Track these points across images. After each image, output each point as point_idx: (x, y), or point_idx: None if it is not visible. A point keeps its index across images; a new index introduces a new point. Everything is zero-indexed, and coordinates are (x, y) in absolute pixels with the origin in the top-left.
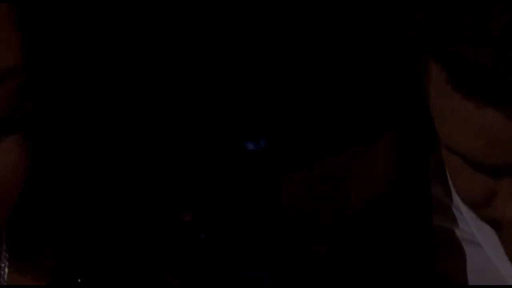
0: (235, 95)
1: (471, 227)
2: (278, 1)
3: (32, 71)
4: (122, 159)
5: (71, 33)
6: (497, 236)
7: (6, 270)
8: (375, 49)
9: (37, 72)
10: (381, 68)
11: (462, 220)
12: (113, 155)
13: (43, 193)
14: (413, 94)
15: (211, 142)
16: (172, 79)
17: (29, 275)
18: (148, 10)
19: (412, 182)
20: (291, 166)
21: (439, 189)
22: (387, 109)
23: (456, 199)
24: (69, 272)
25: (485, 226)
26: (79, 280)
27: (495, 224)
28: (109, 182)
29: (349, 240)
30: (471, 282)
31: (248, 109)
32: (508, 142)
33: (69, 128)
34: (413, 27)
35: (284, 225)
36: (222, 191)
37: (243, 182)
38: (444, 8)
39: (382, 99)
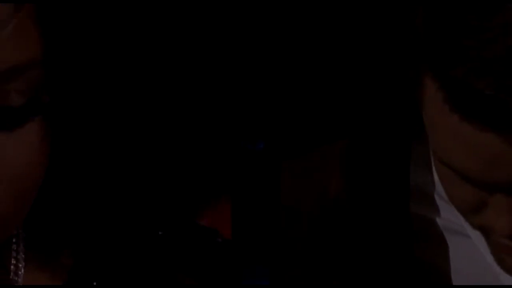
0: (230, 90)
1: (459, 218)
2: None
3: (50, 66)
4: (136, 161)
5: (87, 29)
6: (485, 240)
7: (23, 270)
8: (368, 46)
9: (54, 67)
10: (367, 62)
11: (451, 211)
12: (128, 156)
13: (60, 192)
14: (397, 89)
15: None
16: (177, 73)
17: (47, 274)
18: (156, 9)
19: (390, 171)
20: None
21: (427, 180)
22: (366, 104)
23: None
24: (85, 273)
25: None
26: (94, 283)
27: (483, 231)
28: (124, 183)
29: (329, 226)
30: (458, 270)
31: (240, 104)
32: (505, 163)
33: (87, 124)
34: (412, 35)
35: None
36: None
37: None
38: (443, 27)
39: (362, 95)
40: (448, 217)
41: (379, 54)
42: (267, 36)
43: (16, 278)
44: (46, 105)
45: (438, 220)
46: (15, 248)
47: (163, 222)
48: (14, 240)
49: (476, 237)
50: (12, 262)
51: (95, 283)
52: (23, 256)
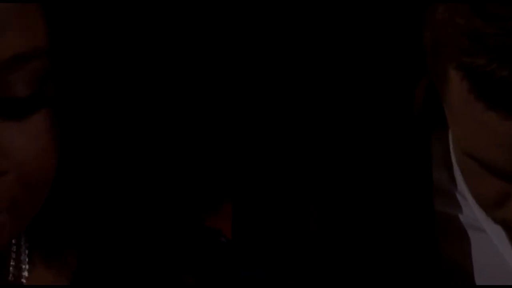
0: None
1: (476, 213)
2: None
3: (56, 57)
4: (141, 159)
5: (93, 20)
6: (507, 234)
7: (27, 269)
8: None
9: (60, 57)
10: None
11: (467, 206)
12: (133, 155)
13: (66, 191)
14: (415, 85)
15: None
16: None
17: (52, 272)
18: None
19: (413, 169)
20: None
21: (444, 176)
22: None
23: (461, 185)
24: (90, 273)
25: None
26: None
27: (506, 224)
28: (130, 183)
29: (349, 226)
30: (475, 266)
31: (249, 96)
32: None
33: (93, 117)
34: (431, 30)
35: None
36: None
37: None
38: (464, 16)
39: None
40: (467, 213)
41: (398, 47)
42: (266, 34)
43: (14, 278)
44: (52, 96)
45: (458, 216)
46: (14, 250)
47: (167, 222)
48: (14, 240)
49: (494, 233)
50: (11, 262)
51: (99, 283)
52: (26, 252)
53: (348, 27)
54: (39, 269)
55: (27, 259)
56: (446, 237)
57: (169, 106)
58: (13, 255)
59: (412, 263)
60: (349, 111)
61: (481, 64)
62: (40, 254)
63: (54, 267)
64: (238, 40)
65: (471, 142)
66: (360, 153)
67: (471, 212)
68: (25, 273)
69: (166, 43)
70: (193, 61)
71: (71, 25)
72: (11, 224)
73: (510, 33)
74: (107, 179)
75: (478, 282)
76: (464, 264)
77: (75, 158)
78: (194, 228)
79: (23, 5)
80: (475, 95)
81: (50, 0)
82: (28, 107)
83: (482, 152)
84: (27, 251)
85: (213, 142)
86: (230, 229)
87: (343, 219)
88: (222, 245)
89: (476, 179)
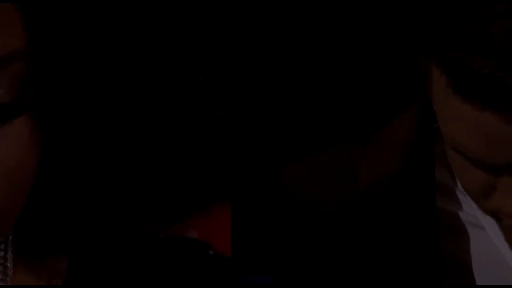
0: (236, 82)
1: (474, 210)
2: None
3: (36, 58)
4: (126, 161)
5: (73, 22)
6: (498, 225)
7: (11, 271)
8: (381, 42)
9: (40, 60)
10: (386, 59)
11: (466, 203)
12: (118, 156)
13: (50, 195)
14: (415, 83)
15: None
16: (172, 71)
17: (33, 276)
18: (150, 6)
19: (417, 167)
20: (295, 156)
21: (444, 173)
22: (393, 97)
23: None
24: (80, 278)
25: None
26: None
27: (495, 215)
28: (116, 185)
29: (356, 222)
30: (474, 263)
31: (251, 96)
32: (507, 143)
33: (76, 121)
34: (416, 27)
35: (289, 210)
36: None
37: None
38: (444, 14)
39: (387, 87)
40: (467, 210)
41: (392, 45)
42: (264, 35)
43: (5, 278)
44: (33, 100)
45: (458, 213)
46: (3, 248)
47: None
48: (2, 240)
49: (492, 229)
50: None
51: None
52: (12, 256)
53: (347, 34)
54: (19, 272)
55: (12, 259)
56: (446, 234)
57: (157, 108)
58: (2, 253)
59: (414, 262)
60: (348, 111)
61: (457, 58)
62: (22, 258)
63: (33, 271)
64: (237, 40)
65: (453, 135)
66: (362, 151)
67: (471, 209)
68: (10, 273)
69: (151, 41)
70: (184, 59)
71: (50, 27)
72: None
73: (485, 29)
74: (93, 183)
75: (477, 278)
76: (464, 261)
77: (58, 163)
78: (182, 242)
79: (0, 7)
80: (452, 89)
81: (28, 1)
82: (8, 111)
83: (464, 144)
84: (12, 251)
85: (211, 142)
86: (229, 230)
87: (346, 220)
88: (211, 258)
89: (463, 172)
